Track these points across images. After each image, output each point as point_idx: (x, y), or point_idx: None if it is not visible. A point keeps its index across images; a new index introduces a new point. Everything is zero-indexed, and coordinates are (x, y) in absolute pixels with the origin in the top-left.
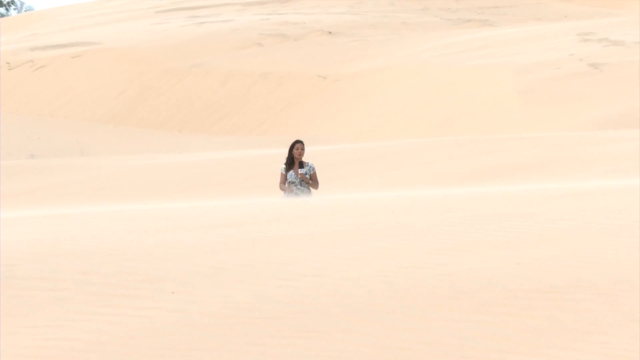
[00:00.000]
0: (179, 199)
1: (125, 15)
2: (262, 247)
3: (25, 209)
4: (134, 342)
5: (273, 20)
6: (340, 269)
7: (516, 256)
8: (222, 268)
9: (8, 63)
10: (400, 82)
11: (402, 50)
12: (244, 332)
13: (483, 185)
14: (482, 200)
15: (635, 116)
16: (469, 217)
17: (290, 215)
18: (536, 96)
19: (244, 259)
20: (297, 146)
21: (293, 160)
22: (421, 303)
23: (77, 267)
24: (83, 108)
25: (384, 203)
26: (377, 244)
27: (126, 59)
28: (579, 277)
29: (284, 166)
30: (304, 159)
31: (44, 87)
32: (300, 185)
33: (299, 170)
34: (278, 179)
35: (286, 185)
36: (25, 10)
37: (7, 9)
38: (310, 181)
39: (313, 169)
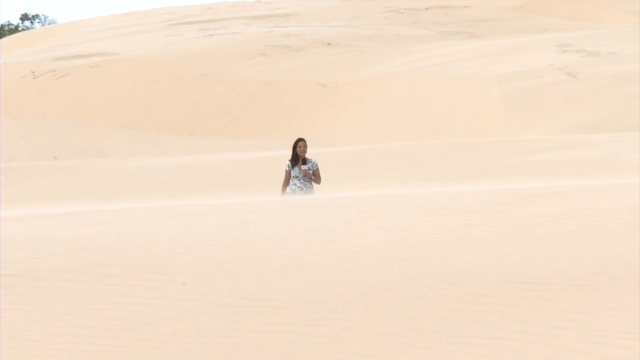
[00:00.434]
0: (190, 197)
1: (140, 28)
2: (266, 242)
3: (48, 207)
4: (149, 329)
5: (276, 33)
6: (338, 262)
7: (500, 250)
8: (229, 261)
9: (33, 72)
10: (393, 89)
11: (395, 60)
12: (250, 320)
13: (469, 185)
14: (468, 199)
15: (609, 121)
16: (456, 214)
17: (291, 212)
18: (518, 103)
19: (250, 252)
20: (299, 144)
21: (297, 157)
22: (412, 293)
23: (96, 260)
24: (101, 113)
25: (378, 201)
26: (372, 239)
27: (141, 68)
28: (558, 269)
29: (288, 163)
30: (307, 155)
31: (66, 94)
32: (303, 180)
33: (302, 166)
34: (282, 176)
35: (290, 179)
36: (48, 24)
37: (32, 22)
38: (312, 177)
39: (316, 165)
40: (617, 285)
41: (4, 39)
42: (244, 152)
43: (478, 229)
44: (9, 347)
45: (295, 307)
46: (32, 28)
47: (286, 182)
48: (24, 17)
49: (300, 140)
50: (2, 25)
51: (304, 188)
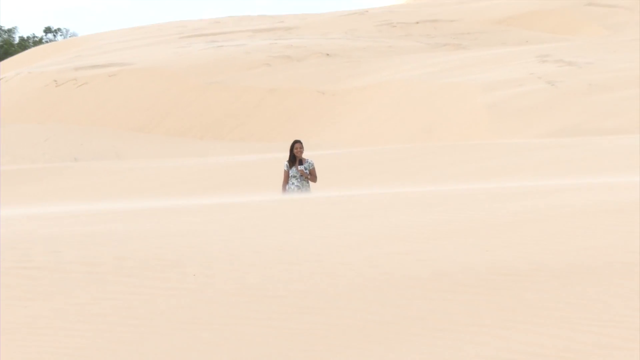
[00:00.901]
0: (199, 196)
1: (154, 40)
2: (269, 237)
3: (69, 204)
4: (162, 317)
5: (279, 44)
6: (336, 255)
7: (486, 244)
8: (235, 254)
9: (55, 81)
10: (387, 96)
11: (389, 69)
12: (255, 309)
13: (456, 184)
14: (455, 197)
15: (586, 126)
16: (444, 211)
17: (293, 209)
18: (501, 109)
19: (255, 246)
20: (296, 146)
21: (294, 158)
22: (404, 284)
23: (113, 253)
24: (118, 119)
25: (372, 199)
26: (366, 233)
27: (155, 77)
28: (540, 262)
29: (286, 163)
30: (304, 156)
31: (86, 101)
32: (300, 179)
33: (299, 167)
34: (282, 176)
35: (289, 178)
36: (70, 36)
37: (54, 35)
38: (309, 176)
39: (312, 164)
40: (595, 278)
41: (29, 50)
42: (249, 154)
43: (465, 225)
44: (32, 334)
45: (296, 297)
46: (55, 40)
47: (285, 181)
48: (47, 30)
49: (296, 142)
50: (27, 37)
51: (301, 187)
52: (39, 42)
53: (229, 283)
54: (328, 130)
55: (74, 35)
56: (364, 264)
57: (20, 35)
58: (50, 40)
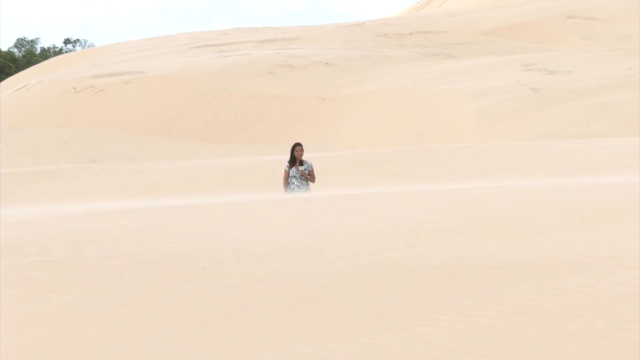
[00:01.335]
0: (208, 194)
1: (166, 50)
2: (272, 233)
3: (87, 203)
4: (173, 308)
5: (282, 54)
6: (335, 250)
7: (474, 239)
8: (241, 249)
9: (74, 88)
10: (382, 102)
11: (384, 77)
12: (259, 300)
13: (447, 184)
14: (445, 195)
15: (567, 129)
16: (435, 208)
17: (295, 207)
18: (489, 114)
19: (259, 241)
20: (297, 148)
21: (294, 159)
22: (399, 277)
23: (128, 248)
24: (133, 123)
25: (368, 198)
26: (363, 230)
27: (167, 84)
28: (525, 256)
29: (287, 163)
30: (304, 158)
31: (102, 107)
32: (300, 179)
33: (299, 167)
34: (281, 174)
35: (289, 179)
36: (87, 47)
37: (73, 46)
38: (308, 176)
39: (311, 166)
40: (576, 271)
41: (50, 60)
42: (255, 155)
43: (455, 221)
44: (52, 324)
45: (298, 289)
46: (74, 50)
47: (286, 180)
48: (67, 41)
49: (297, 144)
50: (48, 48)
51: (301, 186)
52: (59, 52)
53: (235, 276)
54: (327, 134)
55: (91, 45)
56: (361, 258)
57: (42, 45)
58: (70, 51)
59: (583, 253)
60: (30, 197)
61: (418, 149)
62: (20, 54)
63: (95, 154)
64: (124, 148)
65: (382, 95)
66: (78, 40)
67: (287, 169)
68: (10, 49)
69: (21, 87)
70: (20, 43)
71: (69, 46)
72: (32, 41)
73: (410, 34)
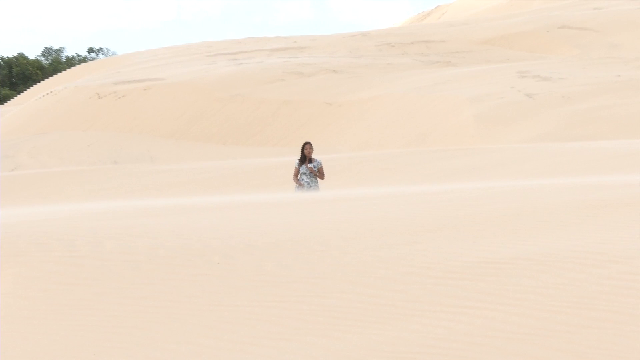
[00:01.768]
0: (222, 193)
1: (183, 59)
2: (283, 229)
3: (109, 201)
4: (189, 300)
5: (292, 62)
6: (341, 246)
7: (472, 236)
8: (254, 245)
9: (97, 94)
10: (386, 107)
11: (387, 83)
12: (270, 292)
13: (446, 184)
14: (445, 194)
15: (560, 133)
16: (435, 206)
17: (304, 206)
18: (486, 118)
19: (270, 238)
20: (306, 146)
21: (304, 157)
22: (401, 271)
23: (147, 244)
24: (152, 127)
25: (373, 197)
26: (368, 227)
27: (184, 90)
28: (519, 252)
29: (297, 161)
30: (313, 156)
31: (124, 111)
32: (310, 176)
33: (309, 165)
34: (292, 171)
35: (298, 177)
36: (110, 55)
37: (97, 54)
38: (317, 173)
39: (320, 163)
40: (569, 266)
41: (75, 68)
42: (266, 157)
43: (454, 219)
44: (76, 315)
45: (307, 282)
46: (97, 59)
47: (295, 175)
48: (90, 50)
49: (306, 143)
50: (73, 56)
51: (311, 183)
52: (83, 60)
53: (248, 270)
54: (334, 137)
55: (113, 54)
56: (365, 253)
57: (67, 54)
58: (93, 59)
59: (576, 249)
60: (56, 196)
61: (420, 150)
62: (47, 62)
63: (117, 156)
64: (144, 150)
65: (386, 101)
66: (101, 49)
67: (297, 166)
68: (38, 58)
69: (48, 93)
70: (47, 52)
71: (93, 55)
72: (58, 50)
73: (413, 43)
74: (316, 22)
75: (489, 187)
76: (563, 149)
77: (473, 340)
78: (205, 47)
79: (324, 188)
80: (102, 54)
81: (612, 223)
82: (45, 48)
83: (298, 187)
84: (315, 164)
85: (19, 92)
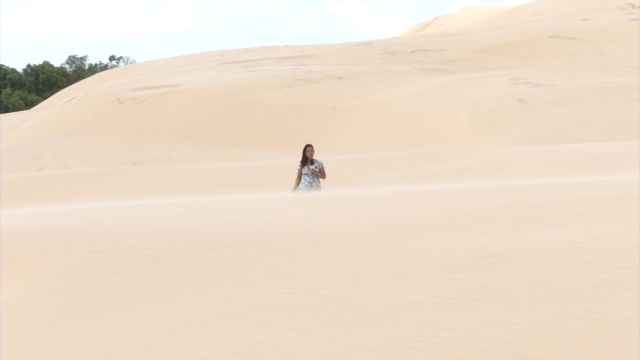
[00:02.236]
0: (236, 192)
1: (198, 66)
2: (292, 226)
3: (128, 200)
4: (204, 292)
5: (300, 69)
6: (346, 241)
7: (469, 232)
8: (264, 240)
9: (118, 99)
10: (387, 112)
11: (389, 90)
12: (280, 285)
13: (443, 183)
14: (443, 193)
15: (550, 136)
16: (433, 205)
17: (311, 204)
18: (481, 122)
19: (280, 234)
20: (308, 148)
21: (306, 159)
22: (401, 265)
23: (164, 239)
24: (169, 130)
25: (377, 196)
26: (372, 224)
27: (199, 96)
28: (513, 247)
29: (299, 163)
30: (315, 157)
31: (143, 115)
32: (312, 176)
33: (311, 166)
34: (295, 172)
35: (301, 178)
36: (130, 63)
37: (117, 62)
38: (319, 174)
39: (321, 164)
40: (558, 259)
41: (97, 75)
42: (276, 159)
43: (451, 217)
44: (98, 305)
45: (314, 276)
46: (118, 66)
47: (298, 178)
48: (112, 58)
49: (308, 145)
50: (95, 64)
51: (313, 182)
52: (104, 67)
53: (258, 264)
54: (340, 140)
55: (133, 62)
56: (369, 248)
57: (90, 62)
58: (114, 66)
59: (565, 244)
60: (79, 194)
61: (419, 152)
62: (71, 70)
63: (136, 157)
64: (161, 152)
65: (388, 106)
66: (121, 57)
67: (300, 168)
68: (63, 65)
69: (72, 99)
70: (71, 60)
71: (114, 62)
72: (81, 58)
73: (413, 51)
74: (322, 32)
75: (483, 186)
76: (553, 151)
77: (469, 330)
78: (219, 55)
79: (329, 187)
80: (123, 62)
81: (599, 220)
82: (70, 56)
83: (295, 190)
84: (316, 164)
85: (45, 98)
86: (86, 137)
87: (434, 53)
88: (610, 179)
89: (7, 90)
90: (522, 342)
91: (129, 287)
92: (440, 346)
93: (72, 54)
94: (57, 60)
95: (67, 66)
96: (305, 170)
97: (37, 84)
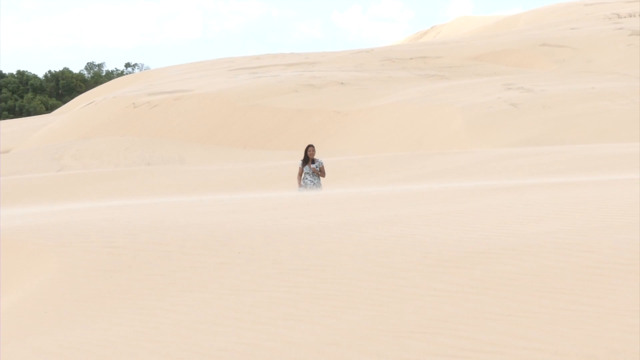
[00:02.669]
0: (245, 191)
1: (209, 72)
2: (297, 223)
3: (143, 198)
4: (214, 285)
5: (305, 75)
6: (347, 237)
7: (464, 229)
8: (271, 236)
9: (133, 103)
10: (387, 115)
11: (389, 94)
12: (285, 278)
13: (441, 182)
14: (439, 192)
15: (541, 138)
16: (431, 202)
17: (315, 202)
18: (476, 125)
19: (285, 230)
20: (309, 148)
21: (307, 158)
22: (400, 259)
23: (177, 236)
24: (182, 132)
25: (376, 194)
26: (372, 220)
27: (210, 100)
28: (504, 243)
29: (300, 162)
30: (315, 156)
31: (156, 119)
32: (313, 175)
33: (312, 165)
34: (296, 171)
35: (302, 176)
36: (144, 69)
37: (132, 69)
38: (319, 172)
39: (322, 163)
40: (548, 254)
41: (113, 80)
42: (281, 160)
43: (447, 214)
44: (114, 298)
45: (317, 269)
46: (133, 72)
47: (299, 175)
48: (127, 65)
49: (310, 145)
50: (112, 70)
51: (314, 180)
52: (121, 73)
53: (265, 258)
54: (342, 142)
55: (147, 68)
56: (369, 243)
57: (107, 69)
58: (130, 73)
59: (556, 240)
60: (96, 193)
61: (417, 154)
62: (89, 76)
63: (150, 158)
64: (174, 153)
65: (388, 110)
66: (137, 64)
67: (301, 167)
68: (81, 71)
69: (89, 103)
70: (89, 66)
71: (129, 69)
72: (99, 65)
73: (411, 58)
74: (326, 41)
75: (477, 185)
76: (543, 152)
77: (464, 320)
78: (228, 62)
79: (333, 186)
80: (138, 69)
81: (588, 217)
82: (88, 63)
83: (300, 187)
84: (317, 164)
85: (64, 102)
86: (103, 139)
87: (431, 60)
88: (598, 179)
89: (29, 95)
90: (514, 333)
91: (143, 280)
92: (435, 336)
93: (90, 61)
94: (76, 67)
95: (85, 72)
96: (306, 169)
97: (57, 89)
